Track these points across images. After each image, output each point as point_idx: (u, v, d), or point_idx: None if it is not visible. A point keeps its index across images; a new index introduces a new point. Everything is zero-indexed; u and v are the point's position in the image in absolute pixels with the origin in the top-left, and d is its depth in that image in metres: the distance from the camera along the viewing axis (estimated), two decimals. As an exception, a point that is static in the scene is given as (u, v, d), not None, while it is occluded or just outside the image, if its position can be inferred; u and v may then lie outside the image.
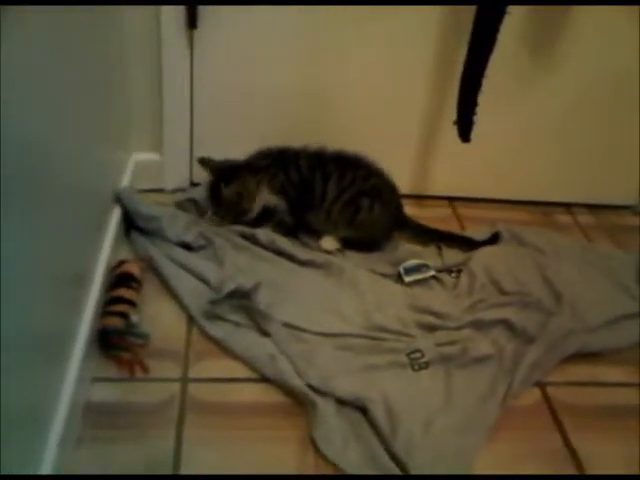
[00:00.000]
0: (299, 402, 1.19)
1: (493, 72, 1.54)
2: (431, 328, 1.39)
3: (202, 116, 1.65)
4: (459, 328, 1.39)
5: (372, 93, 1.66)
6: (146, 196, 1.59)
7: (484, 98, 1.52)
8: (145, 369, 1.20)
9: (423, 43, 1.60)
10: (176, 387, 1.18)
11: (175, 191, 1.68)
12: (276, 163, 1.59)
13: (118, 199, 1.48)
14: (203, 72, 1.59)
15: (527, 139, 1.77)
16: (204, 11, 1.48)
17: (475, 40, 1.43)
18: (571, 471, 1.14)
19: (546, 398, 1.28)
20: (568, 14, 1.58)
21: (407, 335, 1.36)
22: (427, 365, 1.30)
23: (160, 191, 1.68)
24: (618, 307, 1.51)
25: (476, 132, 1.64)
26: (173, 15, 1.47)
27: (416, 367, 1.30)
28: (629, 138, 1.79)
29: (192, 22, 1.47)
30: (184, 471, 1.05)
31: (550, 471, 1.14)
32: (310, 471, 1.08)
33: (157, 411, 1.14)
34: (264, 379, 1.23)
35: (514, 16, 1.39)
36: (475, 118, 1.51)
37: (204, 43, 1.54)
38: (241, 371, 1.24)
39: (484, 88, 1.50)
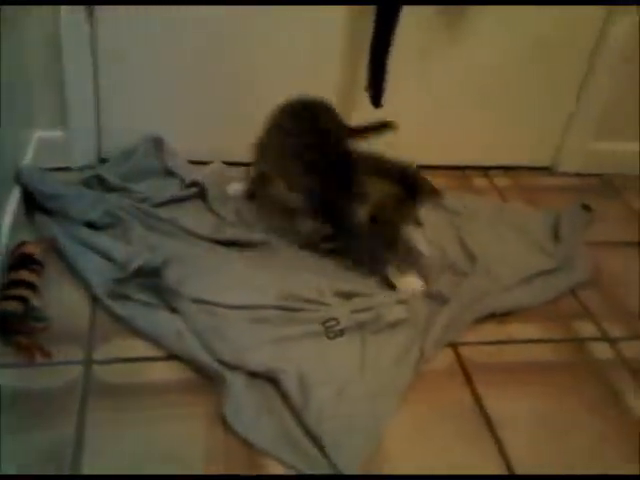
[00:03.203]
0: (209, 378, 1.16)
1: (408, 38, 1.56)
2: (347, 295, 1.38)
3: (108, 91, 1.60)
4: (374, 294, 1.38)
5: (289, 61, 1.63)
6: (53, 175, 1.53)
7: (401, 65, 1.53)
8: (46, 354, 1.15)
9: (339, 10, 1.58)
10: (79, 370, 1.14)
11: (83, 168, 1.62)
12: None
13: (18, 178, 1.41)
14: (107, 46, 1.54)
15: (443, 104, 1.76)
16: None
17: (381, 6, 1.42)
18: (482, 430, 1.14)
19: (459, 358, 1.28)
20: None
21: (323, 304, 1.34)
22: (342, 333, 1.29)
23: (67, 169, 1.61)
24: (533, 265, 1.53)
25: (392, 99, 1.64)
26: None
27: (331, 335, 1.28)
28: (544, 101, 1.81)
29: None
30: (87, 455, 1.01)
31: (462, 431, 1.14)
32: (220, 447, 1.06)
33: (59, 396, 1.09)
34: (172, 357, 1.20)
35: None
36: (385, 84, 1.50)
37: (106, 16, 1.49)
38: (148, 350, 1.20)
39: (400, 55, 1.51)
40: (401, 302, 1.36)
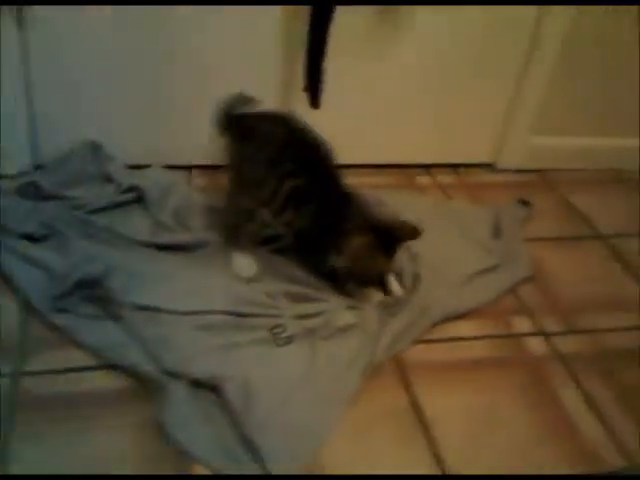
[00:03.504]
0: (146, 387, 1.15)
1: (348, 39, 1.56)
2: (298, 298, 1.37)
3: (42, 96, 1.57)
4: (324, 299, 1.37)
5: (227, 62, 1.62)
6: None
7: (341, 65, 1.54)
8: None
9: (275, 13, 1.57)
10: (5, 383, 1.12)
11: (18, 175, 1.58)
12: None
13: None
14: (39, 48, 1.51)
15: (385, 104, 1.77)
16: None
17: (315, 9, 1.43)
18: (416, 429, 1.15)
19: (396, 357, 1.29)
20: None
21: (273, 307, 1.34)
22: (291, 339, 1.28)
23: (2, 177, 1.58)
24: (476, 263, 1.54)
25: (336, 98, 1.64)
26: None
27: (280, 342, 1.28)
28: (483, 98, 1.83)
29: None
30: (14, 469, 0.99)
31: (398, 431, 1.15)
32: (153, 457, 1.05)
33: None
34: (108, 366, 1.18)
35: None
36: (322, 85, 1.51)
37: (38, 16, 1.46)
38: (83, 360, 1.19)
39: (341, 55, 1.51)
40: (351, 308, 1.36)
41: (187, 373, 1.17)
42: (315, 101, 1.52)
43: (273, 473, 1.04)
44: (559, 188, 1.89)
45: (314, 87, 1.50)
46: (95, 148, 1.63)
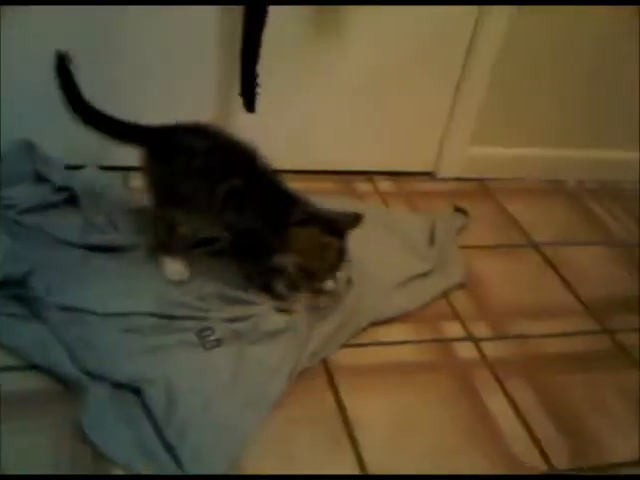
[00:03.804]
0: (69, 389, 1.13)
1: (284, 40, 1.58)
2: (229, 301, 1.36)
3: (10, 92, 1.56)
4: (254, 302, 1.36)
5: (164, 63, 1.61)
6: None
7: (279, 68, 1.56)
8: None
9: (211, 14, 1.57)
10: None
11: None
12: None
13: None
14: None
15: (327, 110, 1.78)
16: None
17: (247, 10, 1.43)
18: (340, 433, 1.15)
19: (323, 360, 1.29)
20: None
21: (202, 310, 1.32)
22: (219, 343, 1.27)
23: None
24: (410, 269, 1.55)
25: (277, 103, 1.65)
26: None
27: (208, 346, 1.26)
28: (423, 106, 1.85)
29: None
30: None
31: (322, 434, 1.15)
32: (67, 459, 1.02)
33: None
34: (28, 367, 1.15)
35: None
36: (257, 89, 1.51)
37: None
38: (3, 360, 1.16)
39: (278, 58, 1.53)
40: (281, 311, 1.35)
41: (109, 375, 1.15)
42: (250, 105, 1.52)
43: (190, 474, 1.03)
44: (497, 197, 1.92)
45: (249, 91, 1.50)
46: (29, 148, 1.60)
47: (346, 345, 1.33)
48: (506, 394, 1.29)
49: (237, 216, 1.32)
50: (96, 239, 1.45)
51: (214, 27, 1.58)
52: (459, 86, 1.83)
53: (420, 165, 1.95)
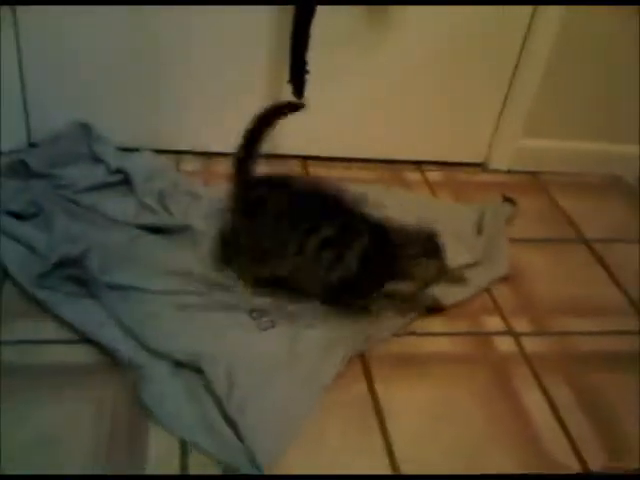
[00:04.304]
0: (114, 364, 1.18)
1: (338, 29, 1.60)
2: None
3: (36, 75, 1.61)
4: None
5: (216, 50, 1.64)
6: None
7: (333, 58, 1.59)
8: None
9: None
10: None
11: (11, 153, 1.62)
12: None
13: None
14: (29, 27, 1.54)
15: (377, 98, 1.77)
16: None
17: (298, 4, 1.46)
18: (373, 420, 1.17)
19: (361, 349, 1.30)
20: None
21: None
22: (273, 324, 1.31)
23: (0, 153, 1.63)
24: (452, 259, 1.51)
25: (325, 91, 1.66)
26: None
27: (262, 326, 1.30)
28: (475, 97, 1.83)
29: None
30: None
31: (353, 421, 1.16)
32: (106, 434, 1.07)
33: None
34: (80, 341, 1.21)
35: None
36: (305, 76, 1.53)
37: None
38: (56, 333, 1.22)
39: (333, 48, 1.57)
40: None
41: (169, 353, 1.20)
42: (299, 92, 1.54)
43: (261, 461, 1.05)
44: (549, 190, 1.89)
45: (298, 79, 1.53)
46: (86, 129, 1.66)
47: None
48: (543, 390, 1.28)
49: (340, 264, 1.28)
50: (148, 220, 1.50)
51: (265, 14, 1.60)
52: (513, 76, 1.80)
53: (471, 156, 1.93)
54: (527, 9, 1.69)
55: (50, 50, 1.59)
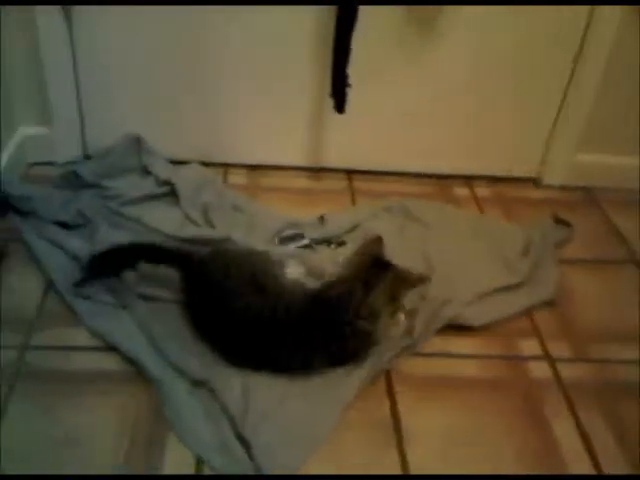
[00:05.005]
0: (140, 374, 1.22)
1: (383, 39, 1.60)
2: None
3: (91, 90, 1.69)
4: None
5: (260, 64, 1.67)
6: (37, 169, 1.68)
7: (379, 69, 1.60)
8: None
9: (306, 15, 1.60)
10: (12, 355, 1.22)
11: (67, 164, 1.71)
12: None
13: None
14: (84, 43, 1.62)
15: (425, 111, 1.76)
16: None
17: (339, 15, 1.47)
18: (390, 438, 1.16)
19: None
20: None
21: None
22: None
23: (51, 164, 1.71)
24: (493, 279, 1.50)
25: (374, 104, 1.67)
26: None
27: None
28: (528, 111, 1.78)
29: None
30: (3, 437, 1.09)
31: (371, 440, 1.15)
32: (125, 440, 1.11)
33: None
34: (109, 349, 1.25)
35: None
36: (347, 90, 1.53)
37: (84, 15, 1.57)
38: (87, 340, 1.27)
39: (382, 61, 1.60)
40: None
41: (187, 371, 1.22)
42: (340, 106, 1.55)
43: (263, 467, 1.07)
44: (602, 207, 1.81)
45: (339, 92, 1.53)
46: (137, 142, 1.71)
47: (413, 353, 1.32)
48: (575, 419, 1.23)
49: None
50: (191, 233, 1.54)
51: (307, 28, 1.62)
52: (567, 89, 1.74)
53: (522, 171, 1.88)
54: (581, 22, 1.64)
55: (104, 65, 1.66)
